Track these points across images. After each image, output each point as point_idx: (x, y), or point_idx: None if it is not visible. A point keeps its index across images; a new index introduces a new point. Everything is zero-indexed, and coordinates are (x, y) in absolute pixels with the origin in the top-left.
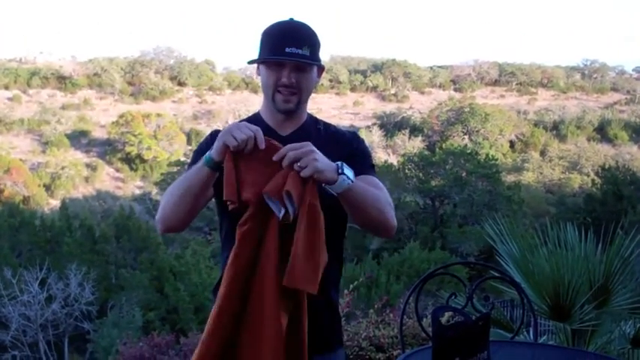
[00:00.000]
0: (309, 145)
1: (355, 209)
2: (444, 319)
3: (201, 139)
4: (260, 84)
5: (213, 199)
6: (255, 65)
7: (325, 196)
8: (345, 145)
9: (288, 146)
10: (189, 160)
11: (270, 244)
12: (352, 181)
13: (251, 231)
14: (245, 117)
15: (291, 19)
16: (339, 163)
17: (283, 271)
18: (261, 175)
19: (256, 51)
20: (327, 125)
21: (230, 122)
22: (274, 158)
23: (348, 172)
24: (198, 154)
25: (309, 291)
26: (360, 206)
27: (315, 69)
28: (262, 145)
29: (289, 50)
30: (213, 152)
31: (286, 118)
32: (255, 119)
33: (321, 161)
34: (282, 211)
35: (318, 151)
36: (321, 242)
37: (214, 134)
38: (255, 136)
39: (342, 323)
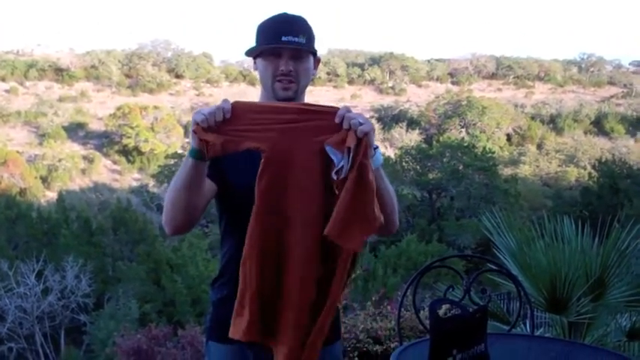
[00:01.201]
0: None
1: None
2: (441, 312)
3: None
4: (258, 77)
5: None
6: (252, 60)
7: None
8: None
9: (345, 106)
10: (185, 155)
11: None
12: (382, 161)
13: (271, 185)
14: None
15: (285, 13)
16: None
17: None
18: (263, 131)
19: (253, 45)
20: None
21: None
22: (336, 120)
23: (379, 151)
24: None
25: (351, 248)
26: (380, 193)
27: (311, 59)
28: (228, 115)
29: (286, 39)
30: (191, 140)
31: None
32: None
33: None
34: (341, 164)
35: None
36: (371, 201)
37: None
38: (222, 107)
39: (340, 316)
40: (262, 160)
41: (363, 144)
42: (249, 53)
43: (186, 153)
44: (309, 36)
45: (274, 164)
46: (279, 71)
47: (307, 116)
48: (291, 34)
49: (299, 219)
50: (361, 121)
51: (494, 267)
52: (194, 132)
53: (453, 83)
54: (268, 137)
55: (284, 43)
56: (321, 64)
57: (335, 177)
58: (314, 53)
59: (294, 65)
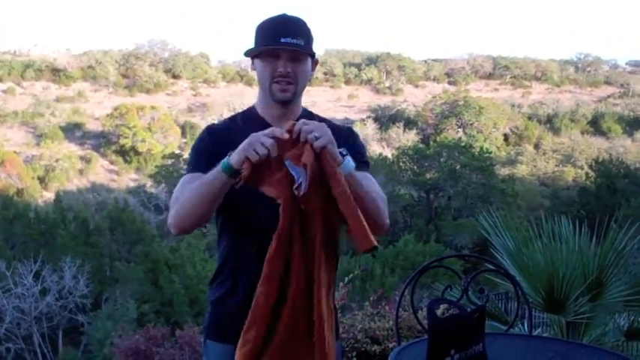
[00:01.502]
0: (320, 123)
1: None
2: (439, 312)
3: (197, 136)
4: (256, 77)
5: None
6: (250, 60)
7: None
8: (340, 141)
9: (302, 121)
10: (185, 154)
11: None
12: (354, 166)
13: (285, 227)
14: (240, 110)
15: (284, 14)
16: (341, 149)
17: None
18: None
19: (252, 45)
20: (322, 120)
21: (225, 115)
22: (293, 135)
23: (349, 157)
24: (197, 153)
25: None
26: (357, 196)
27: (309, 61)
28: (275, 154)
29: (284, 40)
30: (233, 161)
31: (281, 112)
32: (249, 113)
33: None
34: (299, 181)
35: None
36: (354, 204)
37: (211, 130)
38: (269, 147)
39: (338, 316)
40: (280, 208)
41: (325, 157)
42: (248, 54)
43: (184, 153)
44: (308, 38)
45: (290, 211)
46: (277, 72)
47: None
48: (290, 36)
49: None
50: (317, 135)
51: (492, 267)
52: (246, 168)
53: (449, 83)
54: (282, 190)
55: (283, 44)
56: (318, 64)
57: (296, 192)
58: (312, 55)
59: (293, 67)
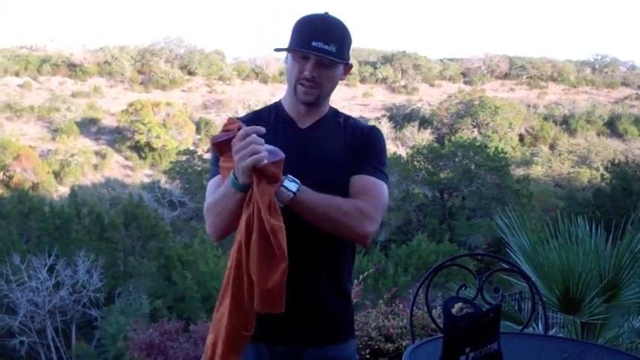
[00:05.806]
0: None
1: (307, 219)
2: (454, 310)
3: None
4: (284, 74)
5: None
6: (280, 54)
7: (333, 188)
8: (355, 141)
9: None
10: (199, 151)
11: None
12: (294, 193)
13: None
14: (263, 107)
15: (327, 14)
16: (287, 175)
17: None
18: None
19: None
20: (347, 118)
21: (239, 112)
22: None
23: (290, 184)
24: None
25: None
26: (308, 217)
27: (340, 66)
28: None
29: (315, 44)
30: (241, 178)
31: (307, 111)
32: (276, 109)
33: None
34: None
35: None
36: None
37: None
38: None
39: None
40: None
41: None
42: (278, 50)
43: (198, 149)
44: (342, 43)
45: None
46: (303, 75)
47: None
48: (322, 41)
49: None
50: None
51: (507, 266)
52: (253, 167)
53: (465, 83)
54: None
55: (313, 49)
56: (351, 69)
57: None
58: (344, 61)
59: (319, 72)
